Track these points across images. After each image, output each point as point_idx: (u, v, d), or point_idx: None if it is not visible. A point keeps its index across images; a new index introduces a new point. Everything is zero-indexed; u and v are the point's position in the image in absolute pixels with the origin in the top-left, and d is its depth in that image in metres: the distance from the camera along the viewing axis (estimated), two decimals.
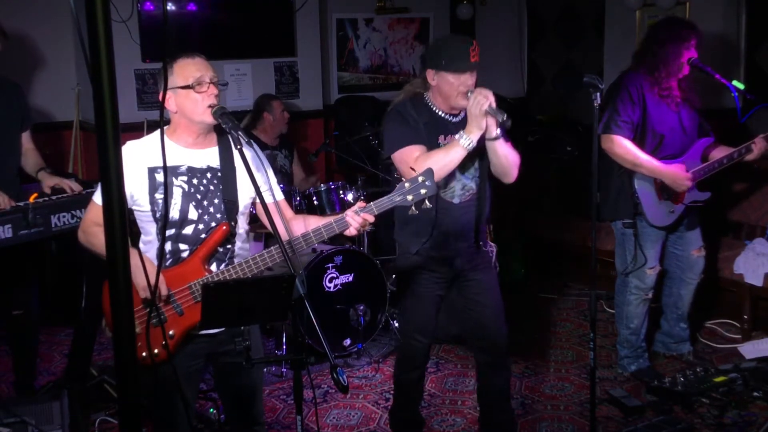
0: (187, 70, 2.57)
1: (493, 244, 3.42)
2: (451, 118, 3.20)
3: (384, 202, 2.59)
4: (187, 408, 2.63)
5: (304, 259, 4.50)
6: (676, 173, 4.03)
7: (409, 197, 2.57)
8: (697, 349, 4.62)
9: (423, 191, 2.55)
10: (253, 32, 6.42)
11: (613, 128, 3.99)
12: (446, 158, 2.99)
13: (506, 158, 3.13)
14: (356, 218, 2.55)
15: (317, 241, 2.60)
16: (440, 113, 3.20)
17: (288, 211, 2.77)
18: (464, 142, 2.96)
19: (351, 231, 2.58)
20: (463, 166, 3.13)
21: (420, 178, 2.56)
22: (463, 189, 3.21)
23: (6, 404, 3.44)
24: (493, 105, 2.94)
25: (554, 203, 6.64)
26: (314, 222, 2.63)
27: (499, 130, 3.04)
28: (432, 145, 3.12)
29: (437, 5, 7.38)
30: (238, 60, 6.20)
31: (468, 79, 3.06)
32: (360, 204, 2.61)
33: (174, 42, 5.68)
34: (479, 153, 3.14)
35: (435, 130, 3.16)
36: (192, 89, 2.54)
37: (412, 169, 2.91)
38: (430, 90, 3.19)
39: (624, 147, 3.99)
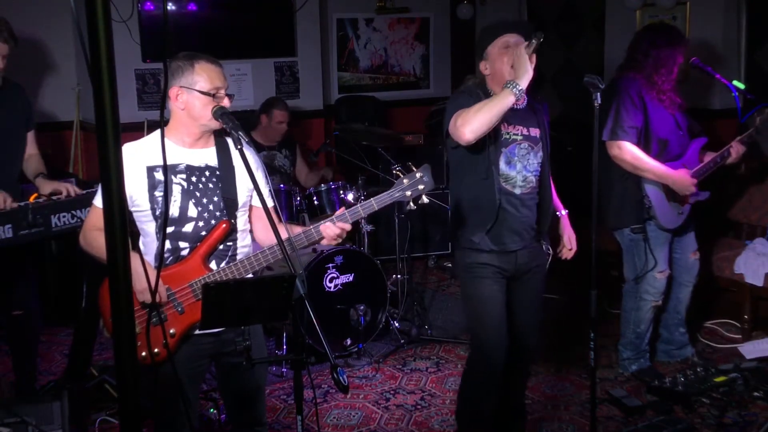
0: (212, 76, 2.56)
1: (551, 250, 3.33)
2: (514, 105, 3.01)
3: (384, 198, 2.62)
4: (190, 408, 2.63)
5: (305, 258, 4.51)
6: (683, 178, 4.05)
7: (408, 193, 2.60)
8: (697, 349, 4.61)
9: (421, 187, 2.60)
10: (253, 32, 6.43)
11: (620, 134, 3.97)
12: (493, 103, 2.88)
13: None
14: (332, 229, 2.55)
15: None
16: None
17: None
18: (511, 86, 2.88)
19: (323, 241, 2.61)
20: (524, 158, 3.11)
21: (418, 175, 2.61)
22: (524, 181, 3.15)
23: (6, 404, 3.44)
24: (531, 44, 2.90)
25: None
26: (297, 231, 2.65)
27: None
28: (496, 131, 3.03)
29: (437, 5, 7.39)
30: (238, 60, 6.21)
31: (509, 39, 3.02)
32: (340, 211, 2.61)
33: (174, 42, 5.69)
34: (540, 147, 3.13)
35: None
36: (211, 97, 2.54)
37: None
38: (487, 81, 3.12)
39: (632, 153, 3.98)
